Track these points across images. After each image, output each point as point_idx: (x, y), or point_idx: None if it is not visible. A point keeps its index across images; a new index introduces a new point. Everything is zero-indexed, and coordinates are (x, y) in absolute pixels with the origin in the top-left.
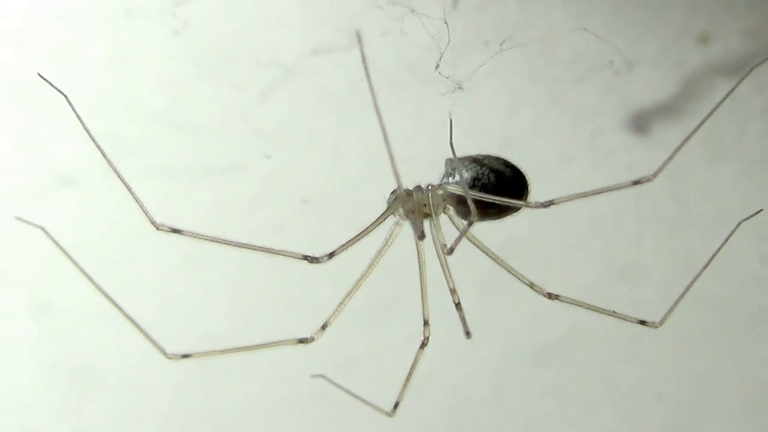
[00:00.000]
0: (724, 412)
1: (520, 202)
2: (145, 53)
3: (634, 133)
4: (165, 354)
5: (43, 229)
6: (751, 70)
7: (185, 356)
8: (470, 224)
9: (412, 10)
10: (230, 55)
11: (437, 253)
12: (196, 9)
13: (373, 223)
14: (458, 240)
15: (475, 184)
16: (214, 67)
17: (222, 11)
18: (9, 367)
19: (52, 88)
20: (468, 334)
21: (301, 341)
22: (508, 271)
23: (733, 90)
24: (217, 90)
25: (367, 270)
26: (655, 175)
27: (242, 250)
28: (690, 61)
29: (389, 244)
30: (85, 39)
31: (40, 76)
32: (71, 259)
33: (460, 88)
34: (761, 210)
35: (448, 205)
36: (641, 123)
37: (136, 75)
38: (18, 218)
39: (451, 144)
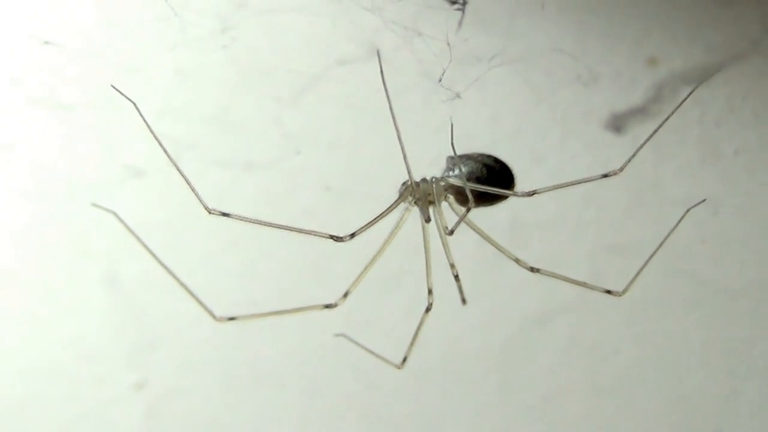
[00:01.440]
0: (669, 364)
1: (509, 192)
2: (199, 67)
3: (603, 133)
4: (214, 317)
5: (115, 214)
6: (689, 94)
7: (231, 319)
8: (468, 210)
9: (420, 34)
10: (268, 67)
11: (439, 233)
12: (241, 29)
13: (388, 209)
14: (457, 223)
15: (471, 177)
16: (255, 77)
17: (261, 30)
18: (84, 328)
19: (123, 97)
20: (464, 301)
21: (327, 306)
22: (498, 249)
23: (677, 108)
24: (256, 97)
25: (382, 247)
26: (621, 169)
27: (281, 231)
28: (641, 78)
29: (400, 226)
30: (149, 54)
31: (113, 87)
32: (137, 238)
33: (458, 96)
34: (705, 200)
35: (448, 195)
36: (616, 123)
37: (192, 86)
38: (94, 204)
39: (452, 144)
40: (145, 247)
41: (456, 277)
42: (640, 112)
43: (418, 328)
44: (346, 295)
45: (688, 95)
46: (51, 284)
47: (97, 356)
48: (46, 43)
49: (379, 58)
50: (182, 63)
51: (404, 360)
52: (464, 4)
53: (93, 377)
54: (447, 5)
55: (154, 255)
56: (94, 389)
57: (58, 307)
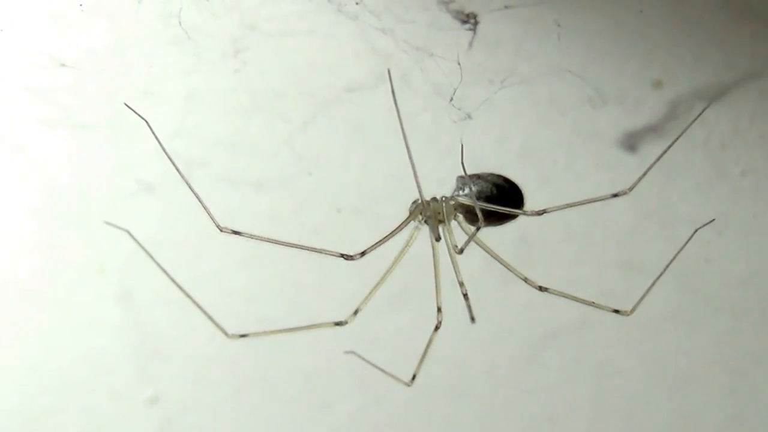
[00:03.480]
0: (673, 384)
1: (518, 211)
2: (211, 89)
3: (615, 152)
4: (226, 334)
5: (128, 232)
6: (699, 115)
7: (243, 336)
8: (477, 229)
9: (431, 54)
10: (279, 90)
11: (449, 252)
12: (253, 52)
13: (398, 227)
14: (467, 242)
15: (480, 196)
16: (266, 99)
17: (272, 53)
18: (99, 343)
19: (136, 118)
20: (473, 319)
21: (337, 324)
22: (507, 268)
23: (685, 129)
24: (268, 119)
25: (392, 265)
26: (630, 189)
27: (291, 250)
28: (647, 101)
29: (410, 244)
30: (162, 77)
31: (126, 105)
32: (150, 255)
33: (469, 117)
34: (714, 219)
35: (458, 213)
36: (629, 142)
37: (204, 108)
38: (107, 222)
39: (462, 163)
40: (158, 264)
41: (465, 295)
42: (653, 130)
43: (428, 346)
44: (356, 312)
45: (698, 116)
46: (67, 300)
47: (112, 371)
48: (63, 65)
49: (390, 76)
50: (195, 85)
51: (413, 377)
52: (476, 24)
53: (108, 392)
54: (458, 25)
55: (166, 272)
56: (108, 403)
57: (73, 323)
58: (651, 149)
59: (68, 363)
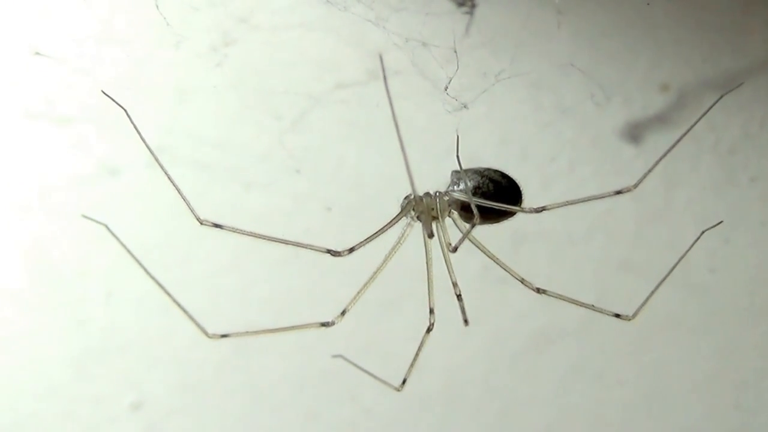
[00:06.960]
0: (675, 396)
1: (516, 208)
2: (198, 84)
3: (618, 144)
4: (206, 334)
5: (106, 226)
6: (708, 110)
7: (224, 336)
8: (473, 226)
9: (425, 44)
10: (270, 85)
11: (442, 250)
12: (239, 48)
13: (389, 223)
14: (461, 240)
15: (476, 191)
16: (256, 96)
17: (263, 47)
18: (83, 347)
19: (120, 114)
20: (466, 322)
21: (324, 324)
22: (503, 268)
23: (694, 125)
24: (258, 119)
25: (382, 264)
26: (635, 185)
27: (279, 250)
28: (653, 105)
29: (401, 242)
30: (147, 71)
31: (104, 93)
32: (129, 251)
33: (465, 107)
34: (722, 221)
35: (453, 210)
36: (632, 132)
37: (191, 104)
38: (84, 216)
39: (457, 156)
40: (137, 261)
41: (459, 296)
42: (659, 120)
43: (419, 349)
44: (343, 313)
45: (709, 109)
46: (49, 302)
47: (95, 376)
48: (37, 54)
49: (382, 62)
50: (181, 80)
51: (404, 382)
52: (473, 7)
53: (90, 397)
54: (453, 8)
55: (146, 270)
56: (91, 409)
57: (55, 325)
58: (656, 140)
59: (49, 367)
